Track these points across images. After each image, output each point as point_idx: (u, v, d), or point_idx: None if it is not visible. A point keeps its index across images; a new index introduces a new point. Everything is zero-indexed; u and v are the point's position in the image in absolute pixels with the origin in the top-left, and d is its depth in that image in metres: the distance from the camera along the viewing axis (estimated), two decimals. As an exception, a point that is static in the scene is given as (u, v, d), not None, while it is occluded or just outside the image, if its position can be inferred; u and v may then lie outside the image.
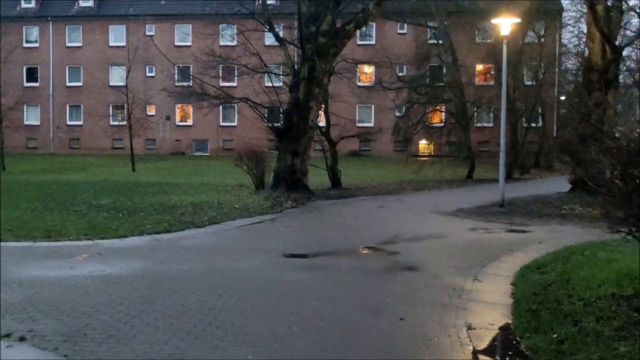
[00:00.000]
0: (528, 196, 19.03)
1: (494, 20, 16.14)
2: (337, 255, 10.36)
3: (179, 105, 45.28)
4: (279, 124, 19.84)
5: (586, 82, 18.11)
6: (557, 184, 25.31)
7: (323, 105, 21.70)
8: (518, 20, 15.63)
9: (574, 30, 44.61)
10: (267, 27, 19.39)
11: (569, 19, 44.08)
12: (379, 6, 18.70)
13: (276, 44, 20.30)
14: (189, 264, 9.30)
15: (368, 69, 44.87)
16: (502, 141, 16.66)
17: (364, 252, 10.78)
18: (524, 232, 12.94)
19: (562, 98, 44.43)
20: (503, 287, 8.13)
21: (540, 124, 37.41)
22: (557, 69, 40.92)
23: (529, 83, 35.69)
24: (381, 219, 14.62)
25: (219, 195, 17.79)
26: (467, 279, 8.51)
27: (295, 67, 19.52)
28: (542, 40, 37.86)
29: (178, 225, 12.66)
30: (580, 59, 45.17)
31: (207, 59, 22.47)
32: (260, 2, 21.03)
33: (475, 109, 31.25)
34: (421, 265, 9.40)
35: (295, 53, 23.48)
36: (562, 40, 44.34)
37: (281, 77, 23.07)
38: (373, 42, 45.29)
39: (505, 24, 15.82)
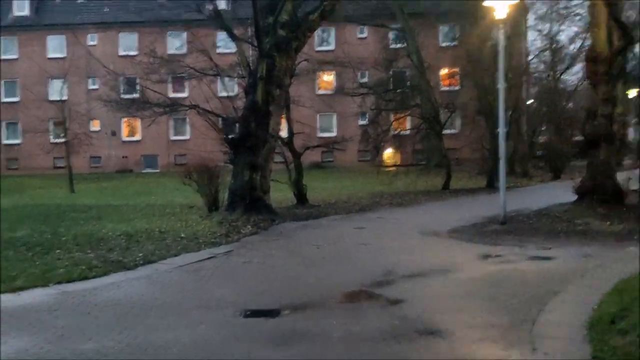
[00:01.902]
0: (526, 209, 16.41)
1: (486, 3, 13.50)
2: (319, 309, 7.40)
3: (126, 120, 41.86)
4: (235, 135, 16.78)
5: (590, 75, 15.64)
6: (548, 192, 22.85)
7: (285, 111, 18.80)
8: (515, 1, 13.00)
9: (540, 30, 43.15)
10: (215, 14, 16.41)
11: (535, 19, 42.64)
12: (347, -9, 15.86)
13: (230, 50, 17.50)
14: (97, 338, 6.21)
15: (328, 76, 42.56)
16: (502, 145, 14.01)
17: (355, 301, 7.86)
18: (548, 259, 10.22)
19: (530, 102, 42.85)
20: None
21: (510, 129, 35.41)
22: (524, 72, 39.15)
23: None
24: (365, 246, 11.73)
25: (163, 221, 14.67)
26: (521, 348, 5.68)
27: (251, 66, 16.54)
28: (508, 43, 35.74)
29: (101, 267, 9.53)
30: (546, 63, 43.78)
31: (149, 61, 19.37)
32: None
33: (450, 114, 28.68)
34: (443, 324, 6.51)
35: (252, 52, 20.52)
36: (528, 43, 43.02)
37: (236, 79, 20.04)
38: (332, 47, 42.92)
39: (500, 6, 13.21)
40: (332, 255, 10.87)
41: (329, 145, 28.30)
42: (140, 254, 10.48)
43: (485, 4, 13.59)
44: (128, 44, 42.08)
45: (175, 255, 10.63)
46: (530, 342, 5.85)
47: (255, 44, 16.09)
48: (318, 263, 10.18)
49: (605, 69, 15.00)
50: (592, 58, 15.28)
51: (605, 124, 15.24)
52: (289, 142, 19.89)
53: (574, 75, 44.99)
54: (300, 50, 16.34)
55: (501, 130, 13.97)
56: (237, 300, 7.67)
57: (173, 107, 19.07)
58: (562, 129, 40.11)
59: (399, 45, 39.89)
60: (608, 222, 13.50)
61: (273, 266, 10.01)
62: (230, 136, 16.48)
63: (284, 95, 16.45)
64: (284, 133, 20.21)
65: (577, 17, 41.24)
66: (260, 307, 7.40)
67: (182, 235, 12.63)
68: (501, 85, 14.06)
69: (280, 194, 20.27)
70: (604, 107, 15.22)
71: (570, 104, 43.82)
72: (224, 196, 16.21)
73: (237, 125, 16.83)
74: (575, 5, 41.61)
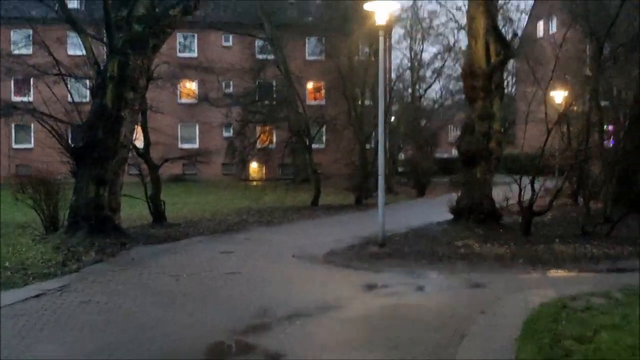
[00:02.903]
0: (401, 228, 15.50)
1: (367, 6, 12.41)
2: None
3: (-42, 127, 36.94)
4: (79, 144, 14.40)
5: (467, 90, 15.09)
6: (419, 210, 22.61)
7: (140, 117, 16.70)
8: (397, 6, 12.02)
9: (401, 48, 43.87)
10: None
11: (397, 38, 43.31)
12: (214, -15, 14.17)
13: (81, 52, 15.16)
14: None
15: (191, 84, 40.43)
16: (381, 161, 12.92)
17: (226, 357, 6.19)
18: (437, 289, 9.14)
19: (392, 119, 43.40)
20: None
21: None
22: (387, 89, 39.45)
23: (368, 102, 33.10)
24: (233, 275, 10.03)
25: (-16, 246, 12.07)
26: None
27: (101, 64, 14.30)
28: (374, 59, 35.64)
29: None
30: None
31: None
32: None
33: (319, 128, 27.70)
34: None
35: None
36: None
37: (83, 81, 17.57)
38: (195, 54, 40.86)
39: (381, 10, 12.19)
40: (195, 289, 9.08)
41: (190, 158, 26.19)
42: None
43: (366, 7, 12.50)
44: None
45: (-9, 294, 8.35)
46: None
47: (105, 38, 13.91)
48: (178, 301, 8.35)
49: (483, 84, 14.51)
50: (469, 72, 14.74)
51: (482, 141, 14.73)
52: (144, 153, 17.74)
53: (435, 93, 46.39)
54: (159, 49, 14.38)
55: (380, 146, 12.90)
56: (66, 364, 5.73)
57: (5, 110, 16.25)
58: (423, 146, 40.92)
59: (266, 56, 38.84)
60: (489, 244, 12.86)
61: (119, 307, 8.03)
62: (72, 145, 14.11)
63: (139, 99, 14.37)
64: (139, 143, 18.08)
65: (440, 37, 42.53)
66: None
67: (7, 264, 10.27)
68: (381, 99, 13.03)
69: (134, 211, 18.09)
70: (481, 123, 14.71)
71: (427, 122, 44.98)
72: (65, 215, 13.82)
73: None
74: (439, 25, 42.93)
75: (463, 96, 47.99)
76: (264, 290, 8.98)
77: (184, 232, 15.64)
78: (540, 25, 44.49)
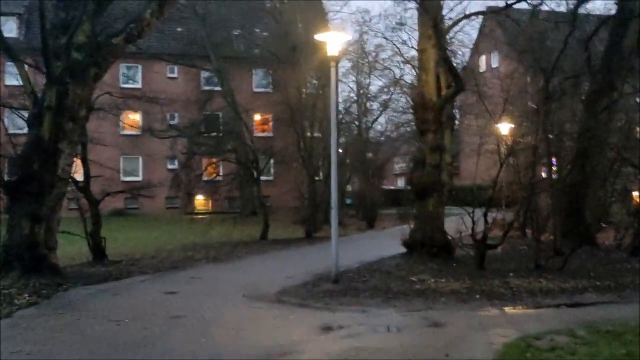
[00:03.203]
0: (354, 262, 15.12)
1: (319, 37, 12.17)
2: None
3: None
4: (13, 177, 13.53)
5: (418, 123, 14.98)
6: (370, 243, 22.25)
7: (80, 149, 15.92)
8: (349, 37, 11.84)
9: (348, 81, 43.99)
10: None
11: (344, 72, 43.47)
12: (159, 13, 13.69)
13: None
14: None
15: (134, 116, 39.50)
16: (334, 194, 12.55)
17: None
18: (398, 330, 8.73)
19: (340, 151, 43.35)
20: None
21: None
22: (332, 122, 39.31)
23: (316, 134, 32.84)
24: (179, 319, 9.36)
25: None
26: None
27: (38, 94, 13.51)
28: (322, 91, 35.63)
29: None
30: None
31: None
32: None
33: (267, 160, 27.23)
34: None
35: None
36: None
37: (20, 112, 16.66)
38: (139, 85, 39.99)
39: (333, 40, 11.95)
40: (137, 336, 8.38)
41: (133, 191, 25.26)
42: None
43: (317, 37, 12.25)
44: None
45: None
46: None
47: (44, 68, 13.18)
48: (119, 352, 7.65)
49: (434, 116, 14.41)
50: (420, 105, 14.65)
51: (433, 173, 14.58)
52: (84, 187, 16.89)
53: (381, 125, 46.65)
54: (100, 78, 13.71)
55: (333, 178, 12.54)
56: None
57: None
58: (371, 178, 40.89)
59: (212, 88, 38.36)
60: (443, 279, 12.60)
61: (54, 359, 7.30)
62: (7, 178, 13.24)
63: (79, 130, 13.65)
64: (79, 176, 17.22)
65: (387, 71, 42.92)
66: None
67: None
68: (333, 130, 12.73)
69: (72, 249, 17.15)
70: (433, 155, 14.57)
71: (373, 155, 45.11)
72: (-4, 254, 12.84)
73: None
74: (385, 59, 43.32)
75: (408, 129, 48.54)
76: (213, 335, 8.37)
77: (125, 270, 14.84)
78: (483, 59, 45.60)
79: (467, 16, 15.28)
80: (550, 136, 18.12)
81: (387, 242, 21.59)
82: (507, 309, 10.22)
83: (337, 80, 41.28)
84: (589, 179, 17.91)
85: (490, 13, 18.15)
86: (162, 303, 10.66)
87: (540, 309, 10.22)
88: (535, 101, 19.44)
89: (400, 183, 72.44)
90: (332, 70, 12.16)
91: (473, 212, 13.57)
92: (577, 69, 18.97)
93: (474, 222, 13.43)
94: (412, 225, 16.12)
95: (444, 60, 13.72)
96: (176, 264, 16.15)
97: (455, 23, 15.36)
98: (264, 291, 11.79)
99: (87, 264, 15.69)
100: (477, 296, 11.07)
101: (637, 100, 20.45)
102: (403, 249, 16.70)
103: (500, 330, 8.55)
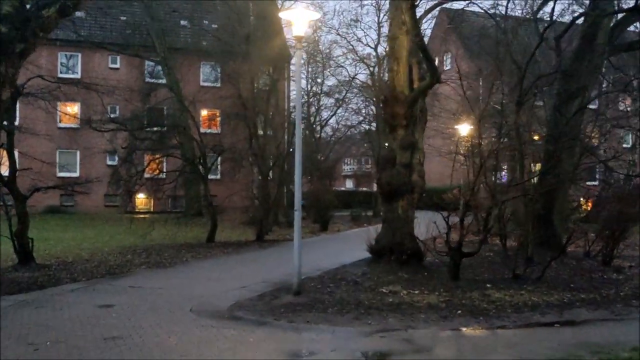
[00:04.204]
0: (314, 270, 13.71)
1: (283, 14, 10.69)
2: None
3: None
4: None
5: (388, 117, 13.64)
6: (329, 247, 20.82)
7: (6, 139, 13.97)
8: (317, 15, 10.44)
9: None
10: None
11: (295, 69, 42.22)
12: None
13: None
14: None
15: (72, 108, 37.17)
16: (298, 195, 11.05)
17: None
18: (383, 356, 7.35)
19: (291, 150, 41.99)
20: None
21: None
22: (286, 121, 38.20)
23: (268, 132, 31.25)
24: (114, 342, 7.70)
25: None
26: None
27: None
28: (275, 86, 34.08)
29: None
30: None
31: None
32: None
33: (216, 157, 25.47)
34: None
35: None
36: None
37: None
38: (78, 75, 37.64)
39: (300, 19, 10.49)
40: (60, 365, 6.73)
41: (66, 187, 23.13)
42: None
43: (282, 15, 10.78)
44: None
45: None
46: None
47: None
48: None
49: (406, 110, 13.12)
50: (391, 98, 13.31)
51: (404, 173, 13.29)
52: (9, 182, 14.89)
53: (331, 126, 45.49)
54: (28, 55, 11.85)
55: (297, 177, 11.05)
56: None
57: None
58: (323, 179, 39.57)
59: (156, 80, 36.41)
60: (417, 291, 11.32)
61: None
62: None
63: (3, 115, 11.76)
64: (4, 169, 15.24)
65: (340, 69, 41.78)
66: None
67: None
68: (298, 124, 11.26)
69: (-7, 251, 15.10)
70: (403, 154, 13.28)
71: (325, 155, 43.97)
72: None
73: None
74: (339, 57, 42.23)
75: (359, 130, 47.37)
76: (156, 364, 6.80)
77: (54, 276, 13.02)
78: (436, 61, 44.94)
79: (441, 3, 14.06)
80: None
81: (344, 246, 20.33)
82: (494, 327, 8.99)
83: (289, 78, 39.97)
84: (559, 183, 17.01)
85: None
86: (95, 320, 8.95)
87: (533, 328, 9.02)
88: (501, 102, 18.48)
89: (349, 184, 71.63)
90: (297, 53, 10.69)
91: (448, 216, 12.32)
92: (549, 68, 18.11)
93: (449, 228, 12.19)
94: (378, 229, 14.82)
95: (421, 47, 12.42)
96: (113, 270, 14.37)
97: (429, 10, 14.07)
98: (214, 305, 10.23)
99: (10, 269, 13.77)
100: (459, 311, 9.82)
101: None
102: (364, 254, 15.44)
103: (499, 356, 7.30)
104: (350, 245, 19.81)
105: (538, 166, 19.05)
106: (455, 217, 14.50)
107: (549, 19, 18.65)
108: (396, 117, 13.14)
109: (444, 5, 16.75)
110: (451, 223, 13.13)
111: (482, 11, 21.65)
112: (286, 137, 30.48)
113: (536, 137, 19.69)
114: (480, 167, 13.52)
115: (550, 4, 18.74)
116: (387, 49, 15.07)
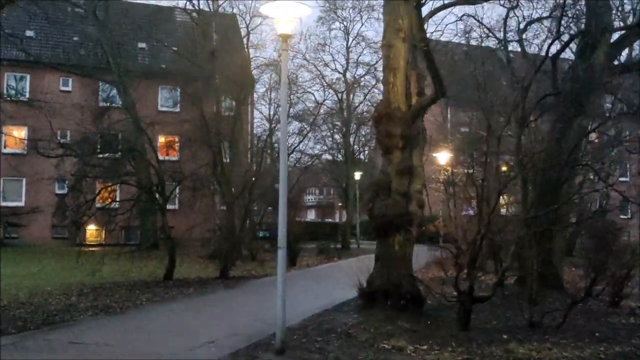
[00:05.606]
0: (294, 316, 11.52)
1: (264, 8, 8.77)
2: None
3: None
4: None
5: (381, 138, 11.74)
6: (303, 286, 18.54)
7: None
8: (307, 11, 8.55)
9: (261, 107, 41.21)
10: None
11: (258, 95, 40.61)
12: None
13: None
14: None
15: (19, 133, 34.69)
16: (282, 230, 9.01)
17: None
18: None
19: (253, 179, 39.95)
20: None
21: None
22: (249, 145, 36.37)
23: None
24: None
25: None
26: None
27: None
28: (238, 110, 32.10)
29: None
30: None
31: None
32: None
33: (176, 185, 23.18)
34: None
35: None
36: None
37: None
38: (26, 97, 35.08)
39: (285, 13, 8.59)
40: None
41: (7, 218, 20.57)
42: None
43: (264, 10, 8.85)
44: None
45: None
46: None
47: None
48: None
49: (403, 130, 11.25)
50: (385, 115, 11.43)
51: (400, 203, 11.36)
52: None
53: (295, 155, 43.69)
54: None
55: (282, 206, 9.02)
56: None
57: None
58: (288, 210, 37.55)
59: (111, 104, 34.09)
60: (425, 346, 9.30)
61: None
62: None
63: None
64: None
65: (308, 94, 40.26)
66: None
67: None
68: (282, 150, 9.26)
69: None
70: (399, 180, 11.37)
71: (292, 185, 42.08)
72: None
73: None
74: (305, 82, 40.75)
75: (321, 161, 45.81)
76: None
77: (-21, 327, 10.57)
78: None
79: (446, 5, 12.41)
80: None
81: (320, 285, 18.32)
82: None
83: (253, 103, 38.09)
84: (557, 219, 15.44)
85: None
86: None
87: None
88: (488, 129, 16.83)
89: (311, 215, 69.66)
90: (284, 54, 8.74)
91: (458, 255, 10.41)
92: (544, 90, 16.62)
93: (459, 269, 10.27)
94: (351, 264, 12.87)
95: (426, 56, 10.63)
96: (52, 318, 11.95)
97: (434, 13, 12.33)
98: (178, 370, 8.04)
99: None
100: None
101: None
102: (345, 295, 13.51)
103: None
104: (326, 283, 17.81)
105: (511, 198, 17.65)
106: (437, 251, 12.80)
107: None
108: (391, 137, 11.27)
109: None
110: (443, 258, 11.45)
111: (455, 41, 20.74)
112: (253, 164, 28.44)
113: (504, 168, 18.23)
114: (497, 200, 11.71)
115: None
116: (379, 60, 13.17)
